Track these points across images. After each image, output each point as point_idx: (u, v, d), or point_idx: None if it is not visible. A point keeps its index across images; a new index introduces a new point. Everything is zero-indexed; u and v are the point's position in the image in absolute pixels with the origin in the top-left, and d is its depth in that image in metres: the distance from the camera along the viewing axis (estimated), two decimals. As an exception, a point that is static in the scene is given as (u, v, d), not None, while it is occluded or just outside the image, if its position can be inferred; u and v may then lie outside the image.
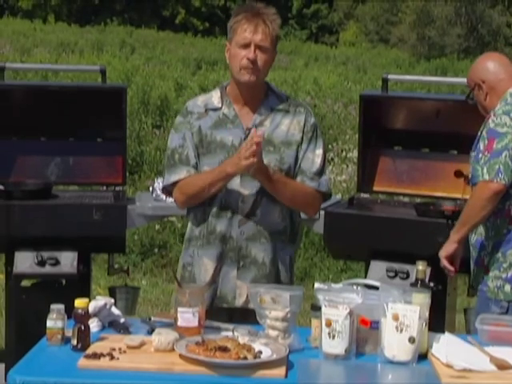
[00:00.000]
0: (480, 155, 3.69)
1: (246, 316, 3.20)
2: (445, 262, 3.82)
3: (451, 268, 3.82)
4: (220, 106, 3.44)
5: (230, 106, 3.43)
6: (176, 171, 3.44)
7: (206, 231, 3.42)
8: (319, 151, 3.46)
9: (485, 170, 3.63)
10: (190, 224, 3.53)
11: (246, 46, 3.31)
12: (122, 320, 3.06)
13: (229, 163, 3.27)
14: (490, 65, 3.89)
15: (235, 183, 3.36)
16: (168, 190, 3.52)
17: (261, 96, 3.44)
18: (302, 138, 3.43)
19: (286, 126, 3.42)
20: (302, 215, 3.62)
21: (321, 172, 3.46)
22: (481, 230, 3.80)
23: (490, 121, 3.73)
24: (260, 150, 3.18)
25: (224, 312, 3.37)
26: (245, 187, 3.37)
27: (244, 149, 3.19)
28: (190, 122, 3.45)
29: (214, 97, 3.47)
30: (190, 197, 3.43)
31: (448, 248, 3.82)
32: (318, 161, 3.45)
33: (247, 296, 3.33)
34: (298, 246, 3.64)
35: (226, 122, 3.42)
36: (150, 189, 5.23)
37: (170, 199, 3.86)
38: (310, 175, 3.43)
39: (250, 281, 3.35)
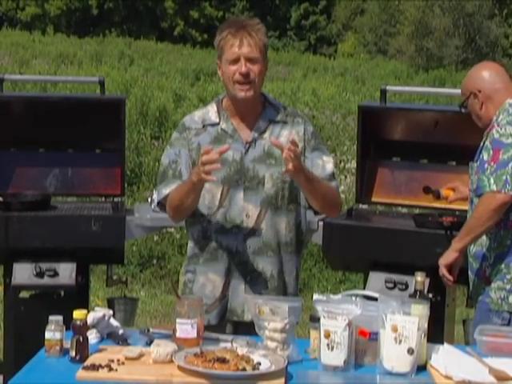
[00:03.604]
0: (485, 165, 3.68)
1: (250, 329, 3.16)
2: (444, 271, 3.81)
3: (450, 277, 3.81)
4: (218, 120, 3.42)
5: (227, 120, 3.42)
6: (167, 185, 3.42)
7: (211, 247, 3.40)
8: (327, 158, 3.47)
9: (492, 181, 3.63)
10: (189, 242, 3.51)
11: (236, 61, 3.29)
12: (121, 331, 3.05)
13: (194, 172, 3.21)
14: (485, 74, 3.89)
15: (239, 197, 3.36)
16: (163, 204, 3.50)
17: (258, 108, 3.43)
18: (305, 147, 3.43)
19: (286, 137, 3.41)
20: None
21: (333, 177, 3.47)
22: (482, 241, 3.79)
23: (494, 131, 3.73)
24: (298, 153, 3.11)
25: (230, 325, 3.37)
26: (248, 201, 3.36)
27: (204, 161, 3.09)
28: (186, 138, 3.43)
29: (211, 111, 3.46)
30: (174, 210, 3.41)
31: (449, 256, 3.81)
32: (330, 166, 3.46)
33: None
34: (302, 256, 3.64)
35: (225, 137, 3.40)
36: (149, 200, 5.23)
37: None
38: (326, 177, 3.43)
39: (259, 294, 3.32)
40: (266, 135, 3.41)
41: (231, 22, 3.40)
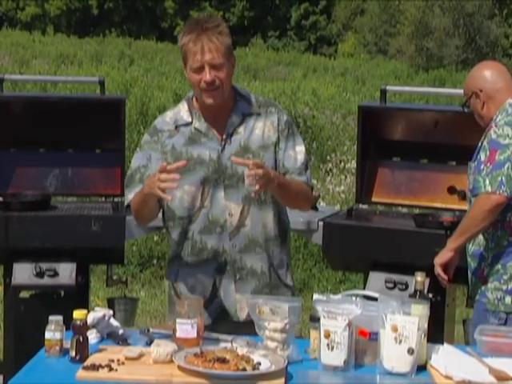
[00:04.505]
0: (482, 166, 3.68)
1: (249, 329, 3.09)
2: (439, 270, 3.81)
3: (445, 276, 3.81)
4: (190, 120, 3.34)
5: (200, 118, 3.34)
6: (132, 189, 3.34)
7: (196, 248, 3.35)
8: (299, 148, 3.40)
9: (487, 182, 3.62)
10: (170, 246, 3.46)
11: (200, 69, 3.20)
12: (121, 331, 3.05)
13: (148, 183, 3.12)
14: (487, 73, 3.88)
15: (220, 197, 3.31)
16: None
17: (230, 104, 3.34)
18: (279, 138, 3.36)
19: (260, 129, 3.35)
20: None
21: (306, 167, 3.40)
22: (480, 240, 3.79)
23: (492, 132, 3.72)
24: (261, 173, 3.03)
25: (228, 325, 3.31)
26: (230, 199, 3.31)
27: (162, 179, 2.99)
28: (158, 142, 3.35)
29: (183, 111, 3.38)
30: (135, 215, 3.37)
31: (444, 256, 3.81)
32: (301, 157, 3.38)
33: None
34: (289, 247, 3.60)
35: (199, 136, 3.33)
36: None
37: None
38: (297, 171, 3.37)
39: (250, 293, 3.29)
40: (241, 129, 3.34)
41: (192, 26, 3.24)
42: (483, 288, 3.77)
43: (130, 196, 3.36)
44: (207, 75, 3.19)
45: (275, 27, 37.94)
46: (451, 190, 4.70)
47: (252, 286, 3.36)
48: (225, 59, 3.22)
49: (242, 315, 3.34)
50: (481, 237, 3.77)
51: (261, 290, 3.32)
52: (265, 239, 3.36)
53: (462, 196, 4.56)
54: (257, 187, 3.04)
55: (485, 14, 30.90)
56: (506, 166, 3.61)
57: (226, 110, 3.34)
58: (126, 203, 3.41)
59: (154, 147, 3.36)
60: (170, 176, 2.99)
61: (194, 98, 3.38)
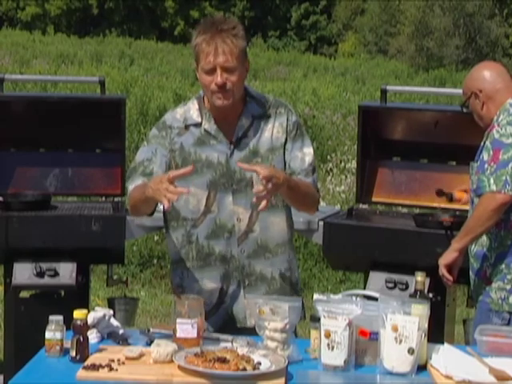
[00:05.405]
0: (485, 166, 3.67)
1: (254, 334, 3.02)
2: (444, 271, 3.81)
3: (449, 277, 3.81)
4: (200, 120, 3.30)
5: (210, 119, 3.29)
6: (134, 181, 3.29)
7: (203, 253, 3.31)
8: (308, 150, 3.35)
9: (491, 181, 3.62)
10: (171, 246, 3.42)
11: (212, 70, 3.14)
12: (121, 331, 3.05)
13: (152, 186, 3.00)
14: (486, 74, 3.88)
15: (228, 201, 3.27)
16: None
17: (240, 106, 3.30)
18: (286, 139, 3.32)
19: (269, 131, 3.30)
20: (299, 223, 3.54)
21: (313, 170, 3.35)
22: (482, 241, 3.79)
23: (495, 131, 3.72)
24: (271, 188, 2.97)
25: (234, 332, 3.20)
26: (238, 204, 3.27)
27: (170, 190, 2.90)
28: (166, 137, 3.30)
29: (193, 109, 3.33)
30: (131, 207, 3.31)
31: (448, 256, 3.81)
32: (309, 159, 3.33)
33: None
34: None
35: (208, 138, 3.28)
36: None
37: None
38: (304, 172, 3.31)
39: None
40: (251, 133, 3.30)
41: (206, 26, 3.19)
42: (487, 288, 3.77)
43: (130, 187, 3.31)
44: (218, 78, 3.14)
45: (275, 27, 37.97)
46: (439, 193, 4.70)
47: (262, 291, 3.31)
48: (238, 62, 3.17)
49: (252, 321, 3.23)
50: (484, 237, 3.77)
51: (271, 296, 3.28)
52: (275, 244, 3.33)
53: (450, 198, 4.56)
54: (263, 204, 2.98)
55: (485, 14, 30.92)
56: (510, 165, 3.61)
57: (236, 112, 3.29)
58: (128, 194, 3.34)
59: (161, 142, 3.32)
60: (178, 190, 2.92)
61: (205, 98, 3.33)
